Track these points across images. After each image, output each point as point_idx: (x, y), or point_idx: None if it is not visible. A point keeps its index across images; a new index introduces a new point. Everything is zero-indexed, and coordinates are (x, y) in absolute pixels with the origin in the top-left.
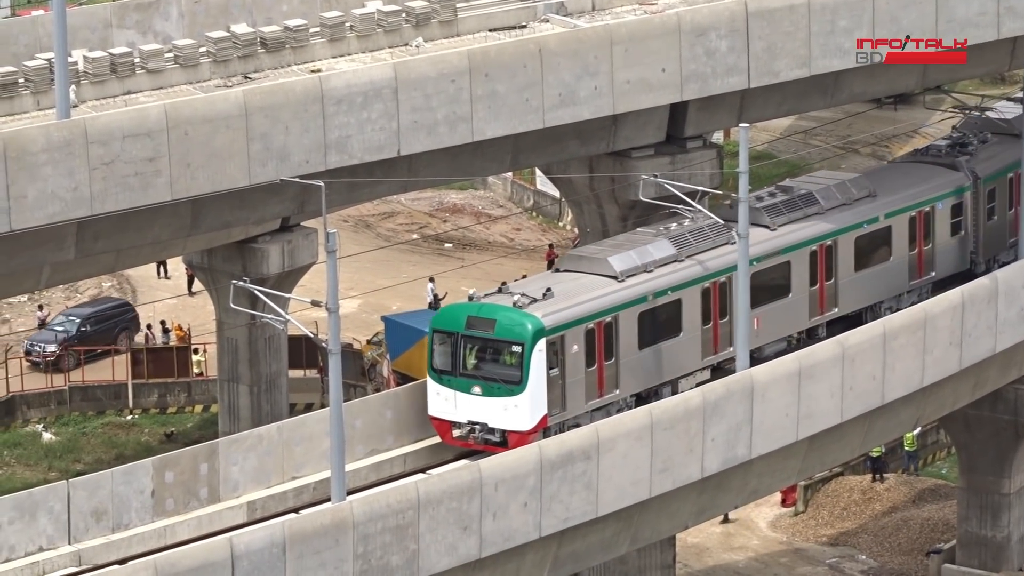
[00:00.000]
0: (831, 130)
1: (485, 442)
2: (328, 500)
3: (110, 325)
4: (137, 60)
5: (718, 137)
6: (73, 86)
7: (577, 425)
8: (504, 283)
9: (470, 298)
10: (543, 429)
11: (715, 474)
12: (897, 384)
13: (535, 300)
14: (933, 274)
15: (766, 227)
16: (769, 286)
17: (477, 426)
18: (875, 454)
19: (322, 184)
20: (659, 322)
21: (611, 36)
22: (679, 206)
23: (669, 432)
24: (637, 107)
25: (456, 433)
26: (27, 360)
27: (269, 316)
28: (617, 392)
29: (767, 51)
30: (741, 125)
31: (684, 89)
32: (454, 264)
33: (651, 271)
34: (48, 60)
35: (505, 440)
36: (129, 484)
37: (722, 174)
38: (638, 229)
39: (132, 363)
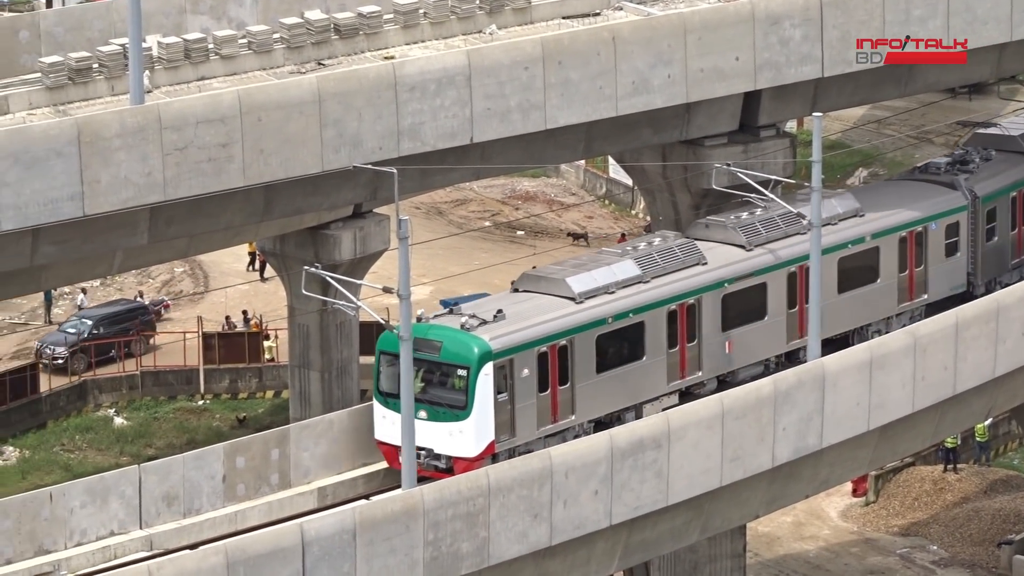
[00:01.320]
0: (905, 119)
1: (432, 468)
2: (399, 487)
3: (124, 327)
4: (211, 46)
5: (791, 126)
6: (147, 72)
7: (530, 451)
8: (456, 303)
9: (418, 319)
10: (491, 456)
11: (786, 463)
12: (969, 374)
13: (484, 322)
14: (925, 296)
15: (741, 247)
16: (743, 309)
17: (423, 451)
18: (950, 444)
19: (395, 171)
20: (620, 346)
21: (685, 24)
22: (752, 195)
23: (740, 421)
24: (711, 96)
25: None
26: (38, 361)
27: (341, 302)
28: (573, 418)
29: (841, 40)
30: (815, 114)
31: (758, 78)
32: (526, 252)
33: (612, 292)
34: (122, 45)
35: (451, 467)
36: (200, 469)
37: (795, 163)
38: (603, 249)
39: (204, 348)
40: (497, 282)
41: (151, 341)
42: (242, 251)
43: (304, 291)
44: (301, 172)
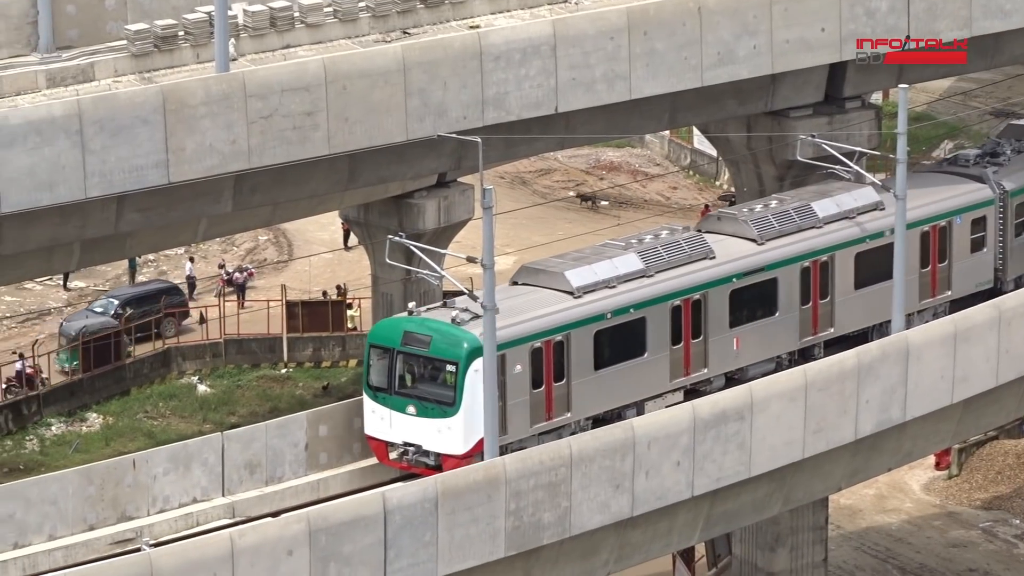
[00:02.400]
0: (991, 92)
1: (420, 465)
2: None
3: (152, 309)
4: (296, 14)
5: (877, 98)
6: (232, 39)
7: (523, 448)
8: (450, 297)
9: (409, 312)
10: (481, 454)
11: (869, 436)
12: None
13: (476, 316)
14: (949, 293)
15: (752, 241)
16: (752, 305)
17: (411, 448)
18: None
19: (479, 140)
20: (619, 341)
21: None
22: (836, 166)
23: (823, 393)
24: (796, 67)
25: (392, 455)
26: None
27: (424, 271)
28: (569, 415)
29: (927, 12)
30: (900, 86)
31: (843, 49)
32: (610, 222)
33: (613, 287)
34: (208, 13)
35: (440, 464)
36: (283, 437)
37: (880, 135)
38: (607, 241)
39: (287, 317)
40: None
41: (183, 323)
42: (325, 219)
43: (388, 260)
44: (385, 141)
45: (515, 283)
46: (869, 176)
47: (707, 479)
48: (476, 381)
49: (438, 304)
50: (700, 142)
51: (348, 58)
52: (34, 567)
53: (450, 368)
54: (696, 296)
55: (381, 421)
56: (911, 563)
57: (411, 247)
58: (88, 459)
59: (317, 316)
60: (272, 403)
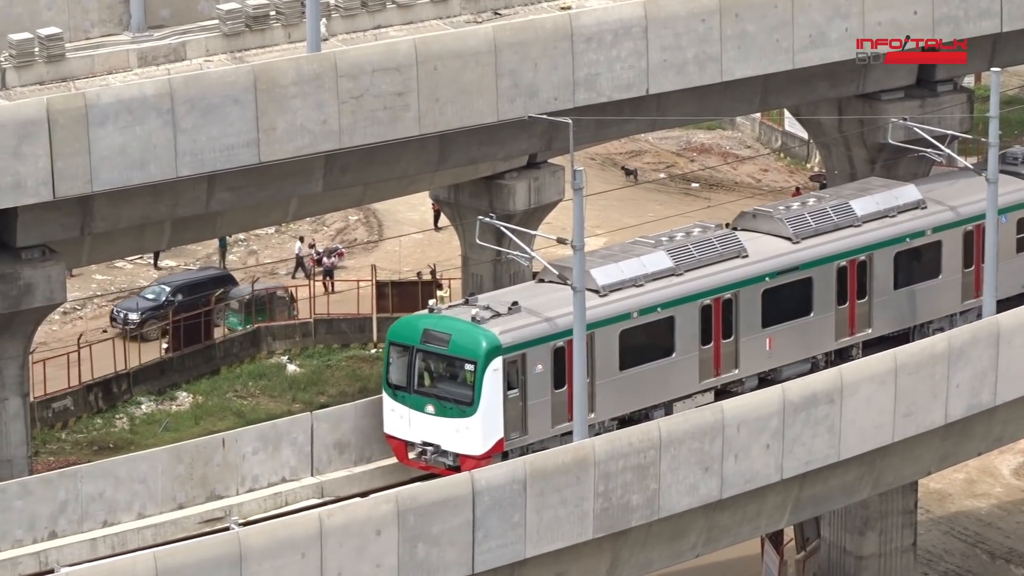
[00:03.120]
0: None
1: (439, 465)
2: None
3: (205, 296)
4: None
5: (969, 81)
6: (324, 19)
7: (543, 449)
8: (472, 294)
9: (430, 309)
10: (502, 454)
11: (959, 420)
12: None
13: (497, 315)
14: None
15: (788, 239)
16: (786, 304)
17: (430, 447)
18: None
19: (570, 121)
20: (646, 341)
21: None
22: (928, 150)
23: (913, 377)
24: (888, 49)
25: (411, 454)
26: (112, 327)
27: (514, 252)
28: (592, 416)
29: None
30: (992, 69)
31: (936, 32)
32: (700, 204)
33: (640, 285)
34: None
35: (459, 465)
36: (372, 417)
37: (972, 119)
38: (637, 238)
39: (377, 297)
40: None
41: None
42: (416, 200)
43: (478, 241)
44: (476, 122)
45: (540, 280)
46: (960, 159)
47: (796, 462)
48: (495, 380)
49: (460, 302)
50: (791, 124)
51: (439, 39)
52: (123, 545)
53: (468, 367)
54: (727, 295)
55: (400, 420)
56: (1000, 548)
57: (501, 228)
58: (177, 438)
59: (407, 296)
60: (361, 383)
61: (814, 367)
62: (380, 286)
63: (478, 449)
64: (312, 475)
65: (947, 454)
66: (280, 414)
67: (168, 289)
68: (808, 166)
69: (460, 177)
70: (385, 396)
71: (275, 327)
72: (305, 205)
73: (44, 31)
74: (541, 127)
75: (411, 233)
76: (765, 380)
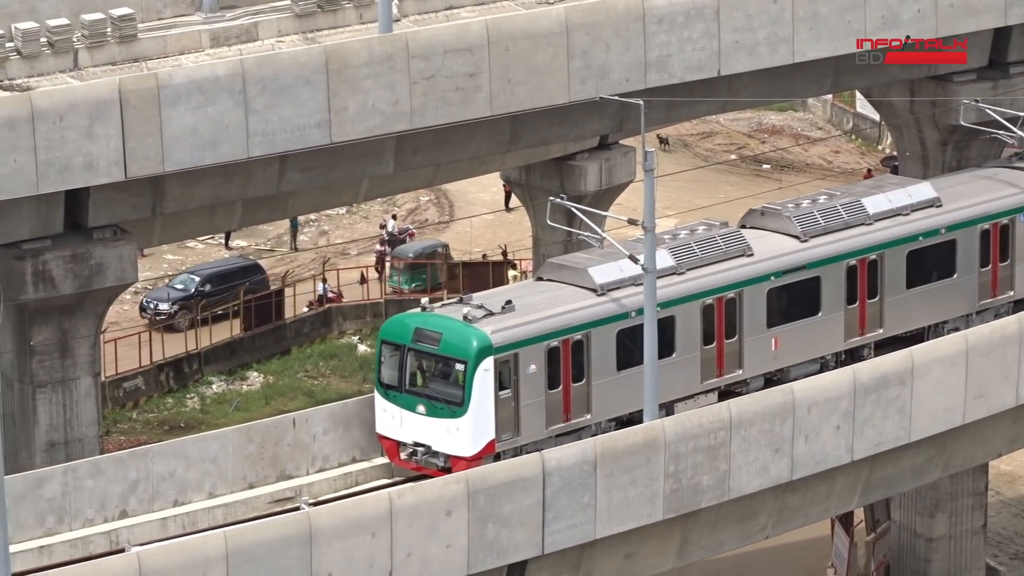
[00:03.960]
0: None
1: (430, 466)
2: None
3: (233, 285)
4: None
5: None
6: (395, 0)
7: (537, 451)
8: (467, 292)
9: (422, 308)
10: (493, 455)
11: None
12: None
13: (490, 314)
14: (1011, 293)
15: (795, 238)
16: (792, 304)
17: (420, 448)
18: None
19: (641, 102)
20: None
21: None
22: (1000, 131)
23: (985, 359)
24: (960, 31)
25: (402, 455)
26: (142, 317)
27: (585, 233)
28: (588, 417)
29: None
30: None
31: (1009, 13)
32: (771, 185)
33: (640, 285)
34: None
35: (449, 466)
36: None
37: None
38: (639, 237)
39: (448, 277)
40: (734, 216)
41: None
42: (487, 180)
43: (549, 222)
44: (548, 103)
45: (540, 279)
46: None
47: (867, 444)
48: (486, 381)
49: (454, 300)
50: (863, 106)
51: (511, 19)
52: (194, 524)
53: (459, 367)
54: (730, 295)
55: (392, 420)
56: None
57: (572, 209)
58: (248, 418)
59: (478, 276)
60: None
61: (823, 368)
62: (451, 266)
63: (468, 450)
64: (382, 455)
65: (1018, 436)
66: (350, 394)
67: (197, 279)
68: (879, 148)
69: (531, 158)
70: (377, 395)
71: (346, 307)
72: (376, 186)
73: (117, 11)
74: (612, 108)
75: (482, 214)
76: (771, 381)
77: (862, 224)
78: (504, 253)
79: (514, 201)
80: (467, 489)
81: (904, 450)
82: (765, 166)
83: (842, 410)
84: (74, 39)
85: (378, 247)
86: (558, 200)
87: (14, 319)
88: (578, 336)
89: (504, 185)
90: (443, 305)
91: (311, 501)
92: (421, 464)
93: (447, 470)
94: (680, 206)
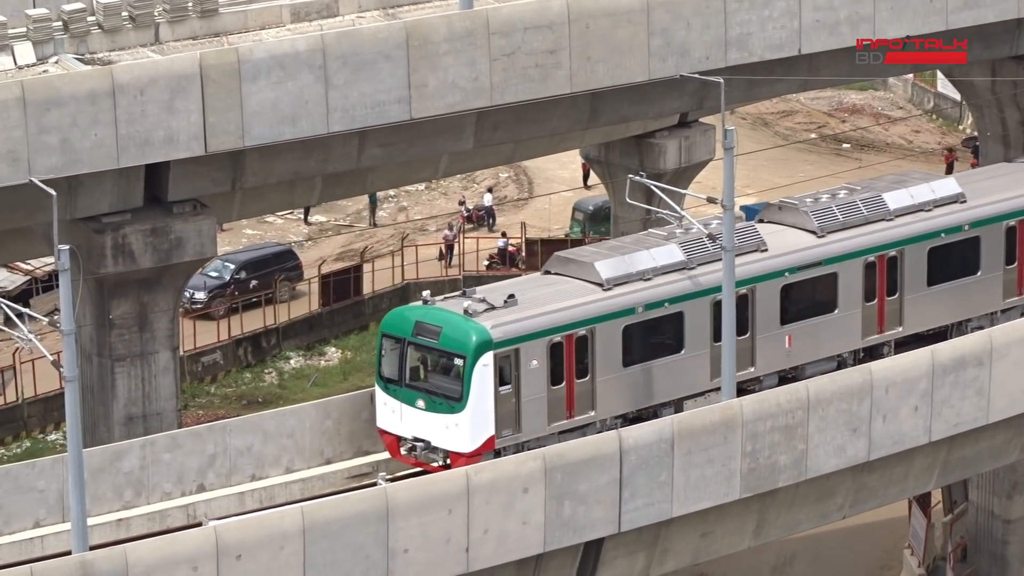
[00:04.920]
0: None
1: (429, 461)
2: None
3: (268, 272)
4: None
5: None
6: None
7: (540, 447)
8: (470, 286)
9: (424, 300)
10: (493, 452)
11: None
12: None
13: (492, 308)
14: None
15: (812, 233)
16: (808, 301)
17: (420, 443)
18: None
19: (722, 80)
20: (652, 337)
21: None
22: None
23: None
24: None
25: (403, 449)
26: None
27: (664, 211)
28: (592, 414)
29: None
30: None
31: None
32: (851, 164)
33: (648, 279)
34: None
35: (448, 462)
36: None
37: None
38: (650, 231)
39: (527, 254)
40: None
41: (295, 287)
42: (566, 158)
43: (628, 199)
44: (627, 80)
45: (547, 272)
46: None
47: (945, 425)
48: (485, 376)
49: (457, 293)
50: (944, 86)
51: None
52: (271, 499)
53: (458, 361)
54: (742, 291)
55: (392, 414)
56: None
57: (651, 187)
58: (326, 393)
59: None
60: None
61: (840, 365)
62: (529, 243)
63: (467, 446)
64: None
65: None
66: None
67: (232, 267)
68: (960, 128)
69: (611, 135)
70: (377, 389)
71: (424, 282)
72: (455, 162)
73: None
74: (692, 86)
75: (561, 191)
76: (785, 378)
77: (882, 220)
78: (582, 230)
79: (593, 179)
80: (544, 466)
81: (982, 431)
82: (845, 145)
83: (920, 391)
84: (155, 13)
85: (447, 232)
86: (637, 178)
87: (94, 293)
88: (582, 331)
89: (583, 163)
90: (445, 298)
91: (388, 477)
92: (420, 459)
93: (446, 466)
94: (759, 185)
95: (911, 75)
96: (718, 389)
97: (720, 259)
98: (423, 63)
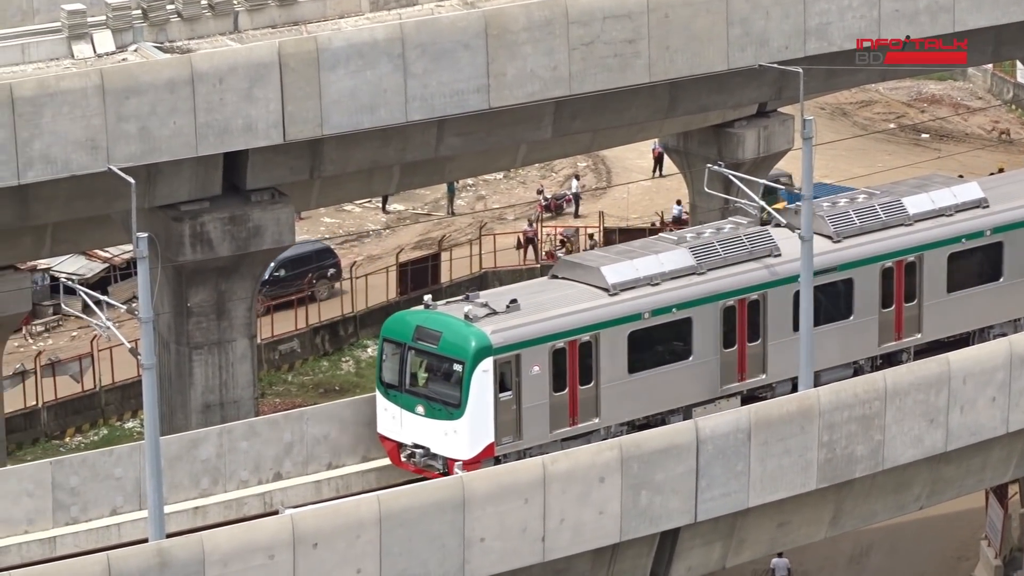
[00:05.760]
0: None
1: (428, 468)
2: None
3: (307, 270)
4: None
5: None
6: None
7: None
8: (473, 290)
9: (426, 305)
10: (494, 459)
11: None
12: None
13: (494, 313)
14: None
15: (828, 238)
16: (822, 306)
17: (419, 450)
18: None
19: (800, 70)
20: (660, 343)
21: None
22: None
23: None
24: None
25: (403, 456)
26: None
27: (742, 201)
28: (596, 421)
29: None
30: None
31: None
32: (930, 155)
33: (656, 284)
34: None
35: (447, 469)
36: None
37: None
38: (661, 235)
39: (604, 243)
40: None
41: (335, 285)
42: (644, 147)
43: (706, 189)
44: (706, 70)
45: (554, 276)
46: None
47: (1022, 415)
48: (484, 382)
49: (460, 298)
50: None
51: None
52: (347, 488)
53: (457, 367)
54: (754, 296)
55: (392, 420)
56: None
57: (730, 176)
58: None
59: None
60: None
61: (857, 372)
62: (608, 232)
63: (466, 453)
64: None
65: None
66: None
67: (272, 264)
68: None
69: (689, 125)
70: (378, 395)
71: (502, 271)
72: (534, 151)
73: None
74: (771, 76)
75: (639, 180)
76: (798, 386)
77: (901, 225)
78: (661, 219)
79: (669, 168)
80: (621, 456)
81: None
82: (924, 135)
83: (998, 381)
84: (235, 2)
85: (527, 227)
86: (716, 167)
87: (172, 280)
88: (586, 337)
89: (652, 151)
90: (447, 303)
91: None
92: (420, 466)
93: (446, 473)
94: (838, 175)
95: (990, 65)
96: (728, 396)
97: (729, 264)
98: (502, 52)
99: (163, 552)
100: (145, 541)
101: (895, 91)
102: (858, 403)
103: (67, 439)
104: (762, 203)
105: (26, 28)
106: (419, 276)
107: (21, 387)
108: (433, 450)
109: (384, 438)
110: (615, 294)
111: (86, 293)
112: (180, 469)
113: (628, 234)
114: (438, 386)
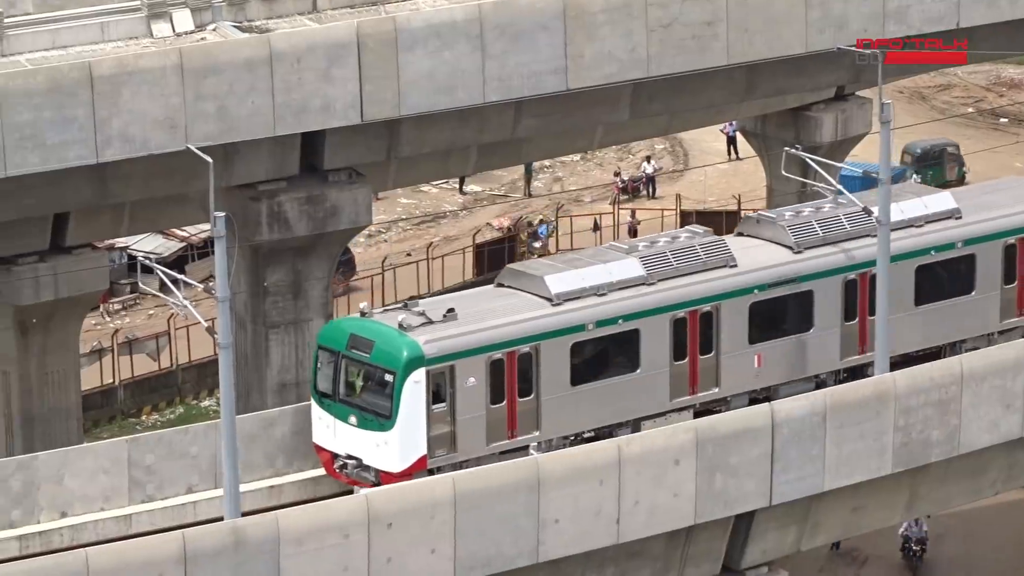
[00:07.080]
0: None
1: (361, 479)
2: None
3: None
4: None
5: None
6: None
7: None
8: (412, 298)
9: (362, 312)
10: (427, 471)
11: None
12: None
13: (429, 322)
14: None
15: (789, 248)
16: (780, 319)
17: (351, 461)
18: None
19: (879, 53)
20: (605, 355)
21: None
22: None
23: None
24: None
25: (336, 466)
26: None
27: (820, 184)
28: (537, 434)
29: None
30: None
31: None
32: (1008, 140)
33: (602, 295)
34: None
35: (379, 480)
36: None
37: None
38: (611, 243)
39: (682, 226)
40: (977, 168)
41: (348, 283)
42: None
43: (783, 172)
44: (784, 52)
45: (500, 285)
46: None
47: None
48: (416, 393)
49: (397, 306)
50: None
51: None
52: None
53: (388, 377)
54: (706, 308)
55: (327, 429)
56: None
57: (807, 160)
58: None
59: (711, 225)
60: None
61: (819, 386)
62: (684, 215)
63: (396, 466)
64: None
65: None
66: None
67: None
68: None
69: (767, 108)
70: (313, 403)
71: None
72: (611, 133)
73: None
74: (850, 59)
75: (716, 163)
76: (756, 399)
77: (867, 236)
78: (738, 203)
79: (746, 151)
80: (696, 439)
81: None
82: (1003, 120)
83: None
84: None
85: (631, 219)
86: (793, 150)
87: (248, 260)
88: (526, 348)
89: (722, 130)
90: (384, 310)
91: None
92: (352, 477)
93: (377, 484)
94: None
95: None
96: (679, 410)
97: (682, 275)
98: (579, 34)
99: (238, 531)
100: (220, 520)
101: (974, 75)
102: (934, 387)
103: (143, 417)
104: (839, 186)
105: (105, 7)
106: (495, 258)
107: (98, 365)
108: (365, 461)
109: (319, 448)
110: (558, 304)
111: (163, 272)
112: (255, 449)
113: (705, 217)
114: (370, 396)
